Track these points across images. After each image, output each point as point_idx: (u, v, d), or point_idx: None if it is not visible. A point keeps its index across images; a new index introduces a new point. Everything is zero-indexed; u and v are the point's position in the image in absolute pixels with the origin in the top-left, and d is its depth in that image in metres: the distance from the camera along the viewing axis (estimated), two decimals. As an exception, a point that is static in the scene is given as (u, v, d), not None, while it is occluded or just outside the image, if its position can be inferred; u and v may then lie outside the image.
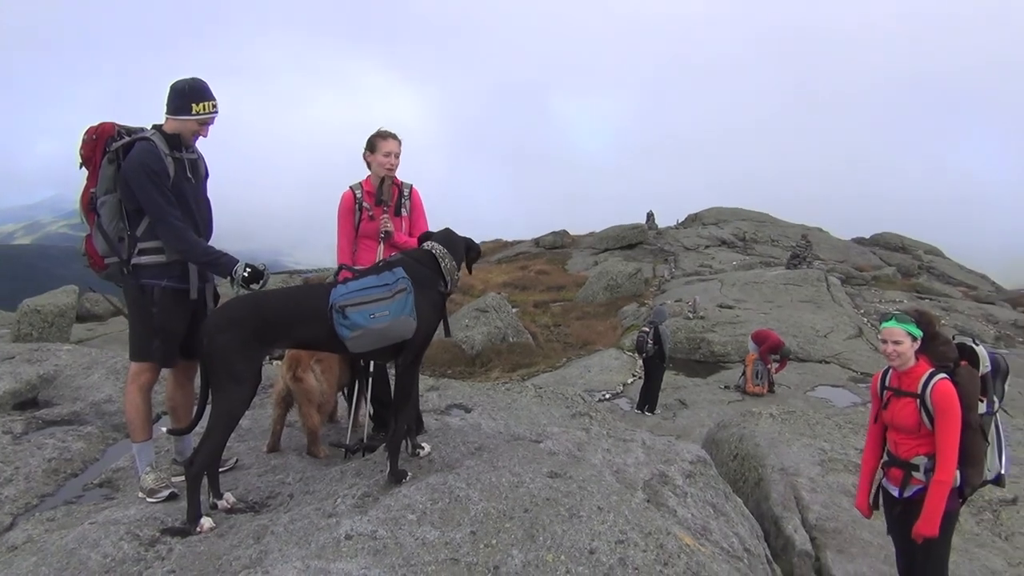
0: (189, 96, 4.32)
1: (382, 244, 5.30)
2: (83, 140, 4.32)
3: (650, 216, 49.19)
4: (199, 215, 4.49)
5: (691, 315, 22.52)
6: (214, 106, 4.39)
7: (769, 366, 16.38)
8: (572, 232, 51.82)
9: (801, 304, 25.17)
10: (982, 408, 4.37)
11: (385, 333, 4.09)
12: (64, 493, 4.91)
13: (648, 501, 5.17)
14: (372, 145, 5.33)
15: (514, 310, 26.65)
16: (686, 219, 53.36)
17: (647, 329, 15.73)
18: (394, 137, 5.35)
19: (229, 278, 4.28)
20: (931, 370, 4.32)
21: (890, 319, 4.45)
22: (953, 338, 4.55)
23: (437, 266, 4.41)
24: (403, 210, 5.48)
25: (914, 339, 4.36)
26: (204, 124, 4.42)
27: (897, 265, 41.95)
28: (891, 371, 4.55)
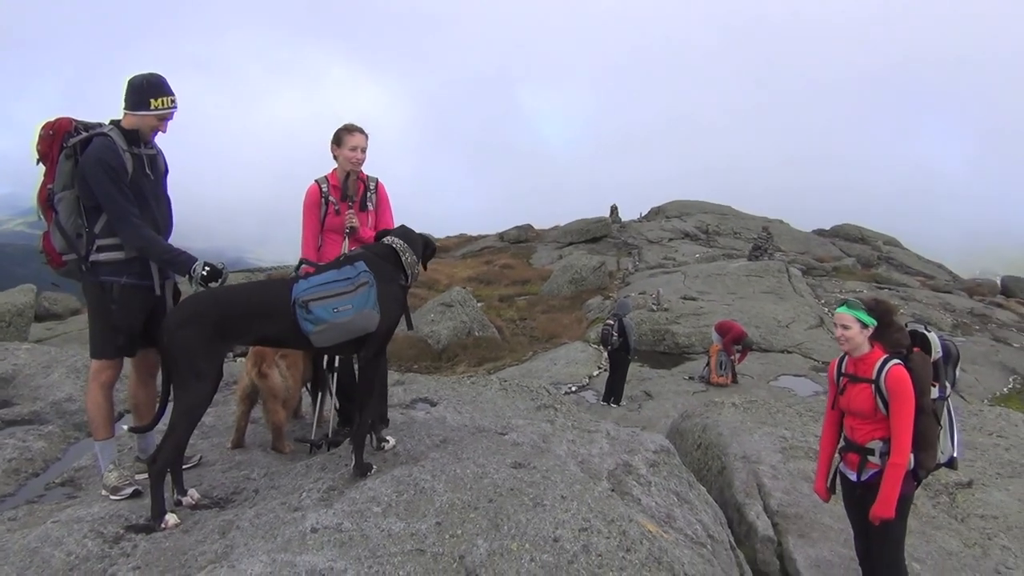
0: (147, 91, 4.29)
1: (347, 239, 5.30)
2: (39, 136, 4.26)
3: (614, 210, 49.34)
4: (158, 212, 4.46)
5: (655, 307, 22.69)
6: (172, 101, 4.36)
7: (732, 357, 16.58)
8: (536, 226, 51.86)
9: (763, 295, 25.45)
10: (934, 393, 4.50)
11: (349, 327, 4.11)
12: (25, 493, 4.85)
13: (612, 490, 5.23)
14: (339, 139, 5.31)
15: (479, 304, 26.67)
16: (649, 212, 53.61)
17: (611, 322, 15.83)
18: (361, 131, 5.34)
19: (188, 276, 4.26)
20: (885, 356, 4.44)
21: (843, 305, 4.58)
22: (906, 325, 4.67)
23: (398, 260, 4.45)
24: (369, 204, 5.48)
25: (864, 326, 4.47)
26: (163, 119, 4.39)
27: (857, 256, 42.52)
28: (847, 358, 4.66)
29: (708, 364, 16.86)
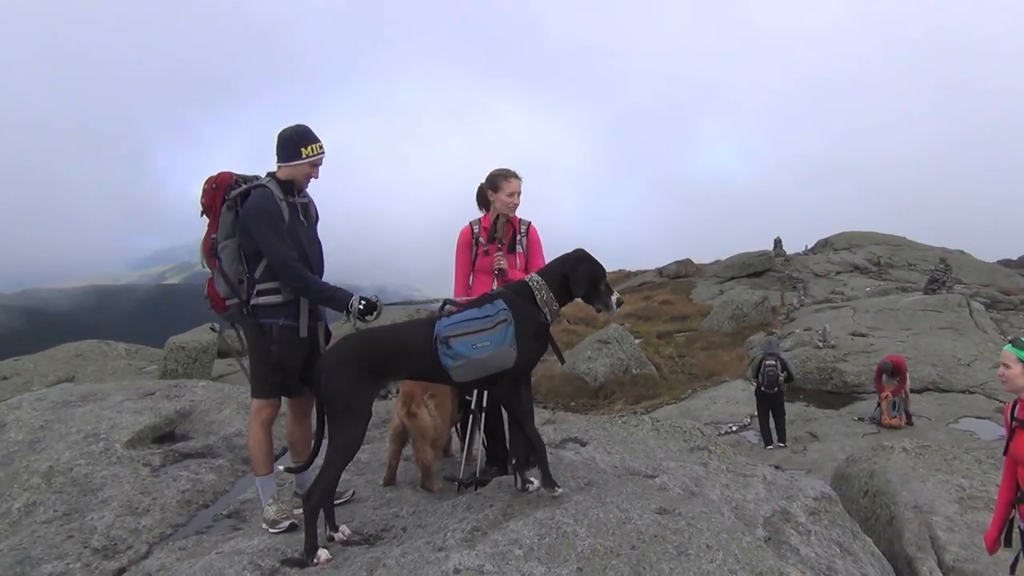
0: (297, 142, 4.56)
1: (496, 280, 5.40)
2: (203, 189, 4.61)
3: (777, 242, 47.85)
4: (312, 255, 4.71)
5: (821, 344, 21.71)
6: (321, 147, 4.62)
7: (904, 394, 15.55)
8: (696, 261, 51.01)
9: (941, 331, 23.86)
10: None
11: (487, 362, 4.20)
12: (196, 523, 5.16)
13: (769, 539, 5.02)
14: (495, 184, 5.44)
15: (637, 341, 26.40)
16: (816, 244, 51.64)
17: (773, 363, 15.13)
18: (516, 176, 5.47)
19: (345, 311, 4.45)
20: (1059, 402, 4.07)
21: (1008, 343, 4.26)
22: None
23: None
24: (518, 247, 5.57)
25: None
26: (315, 166, 4.65)
27: (1050, 286, 39.36)
28: (1019, 402, 4.31)
29: (879, 405, 15.89)
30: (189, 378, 13.71)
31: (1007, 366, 4.24)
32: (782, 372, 14.94)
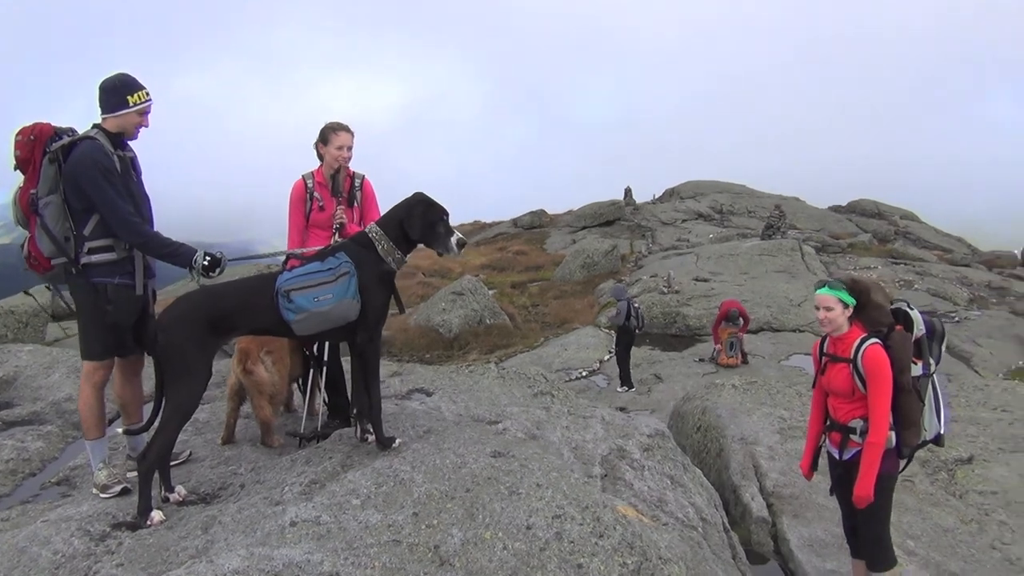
0: (123, 90, 4.36)
1: (336, 235, 5.36)
2: (17, 141, 4.31)
3: (628, 192, 49.15)
4: (145, 211, 4.54)
5: (666, 290, 22.64)
6: (147, 94, 4.44)
7: (741, 336, 16.52)
8: (550, 211, 51.81)
9: (776, 274, 25.34)
10: (917, 370, 4.47)
11: (329, 315, 4.20)
12: (21, 493, 4.95)
13: (605, 476, 5.28)
14: (325, 137, 5.38)
15: (491, 292, 26.72)
16: (663, 193, 53.39)
17: (638, 304, 15.94)
18: (347, 130, 5.40)
19: (189, 267, 4.33)
20: (863, 336, 4.43)
21: (823, 286, 4.56)
22: (892, 303, 4.65)
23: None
24: (355, 201, 5.54)
25: (845, 306, 4.47)
26: (143, 114, 4.45)
27: (873, 231, 42.18)
28: (828, 337, 4.66)
29: (717, 346, 16.80)
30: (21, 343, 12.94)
31: (830, 308, 4.52)
32: (635, 317, 15.64)
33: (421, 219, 4.48)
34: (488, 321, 22.71)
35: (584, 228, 44.03)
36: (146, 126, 4.53)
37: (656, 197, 52.86)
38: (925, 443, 4.65)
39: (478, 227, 53.15)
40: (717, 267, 27.03)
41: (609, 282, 27.70)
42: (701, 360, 17.25)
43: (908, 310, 4.59)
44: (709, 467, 7.30)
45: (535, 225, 48.98)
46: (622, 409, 12.08)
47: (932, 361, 4.61)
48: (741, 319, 16.66)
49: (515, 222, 50.76)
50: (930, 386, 4.59)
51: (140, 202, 4.51)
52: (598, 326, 21.41)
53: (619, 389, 15.33)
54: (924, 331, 4.56)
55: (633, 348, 16.15)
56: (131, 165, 4.51)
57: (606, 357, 18.11)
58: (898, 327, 4.52)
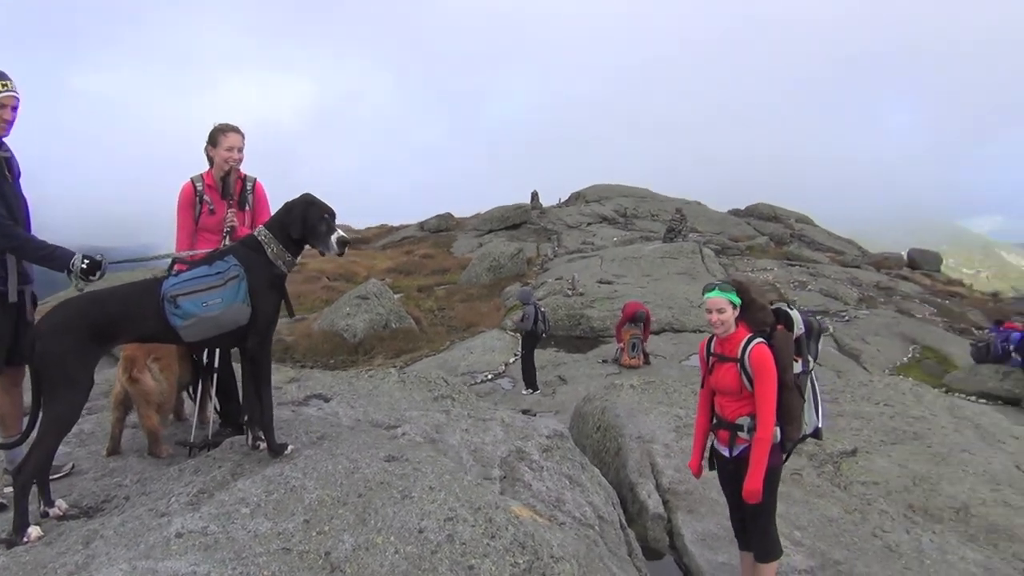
0: None
1: (227, 239, 5.25)
2: None
3: (535, 196, 49.46)
4: (19, 214, 4.36)
5: (570, 292, 22.91)
6: (7, 86, 4.22)
7: (644, 338, 16.84)
8: (457, 215, 51.77)
9: (677, 276, 25.92)
10: (798, 368, 4.67)
11: (218, 320, 4.13)
12: None
13: (504, 477, 5.32)
14: (214, 139, 5.29)
15: (398, 296, 26.54)
16: (570, 197, 53.93)
17: (544, 309, 16.04)
18: (236, 131, 5.31)
19: (67, 271, 4.17)
20: (749, 335, 4.59)
21: (713, 289, 4.70)
22: (772, 304, 4.83)
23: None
24: (247, 204, 5.45)
25: (735, 307, 4.63)
26: (5, 106, 4.24)
27: (770, 234, 43.56)
28: (715, 338, 4.81)
29: (620, 347, 17.08)
30: None
31: (722, 311, 4.66)
32: (540, 320, 15.78)
33: (302, 218, 4.41)
34: (394, 325, 22.56)
35: (491, 231, 44.12)
36: (8, 118, 4.29)
37: (562, 201, 53.37)
38: (805, 437, 4.86)
39: (385, 230, 52.70)
40: (621, 269, 27.48)
41: (515, 285, 27.85)
42: (604, 361, 17.50)
43: (788, 310, 4.79)
44: (608, 466, 7.43)
45: (442, 228, 48.85)
46: (527, 411, 12.18)
47: (810, 358, 4.82)
48: (643, 322, 17.00)
49: (422, 225, 50.52)
50: (808, 382, 4.79)
51: (14, 204, 4.32)
52: (504, 329, 21.50)
53: (524, 392, 15.44)
54: (803, 330, 4.76)
55: (538, 350, 16.30)
56: (6, 166, 4.32)
57: (511, 360, 18.20)
58: (779, 326, 4.70)
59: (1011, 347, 15.51)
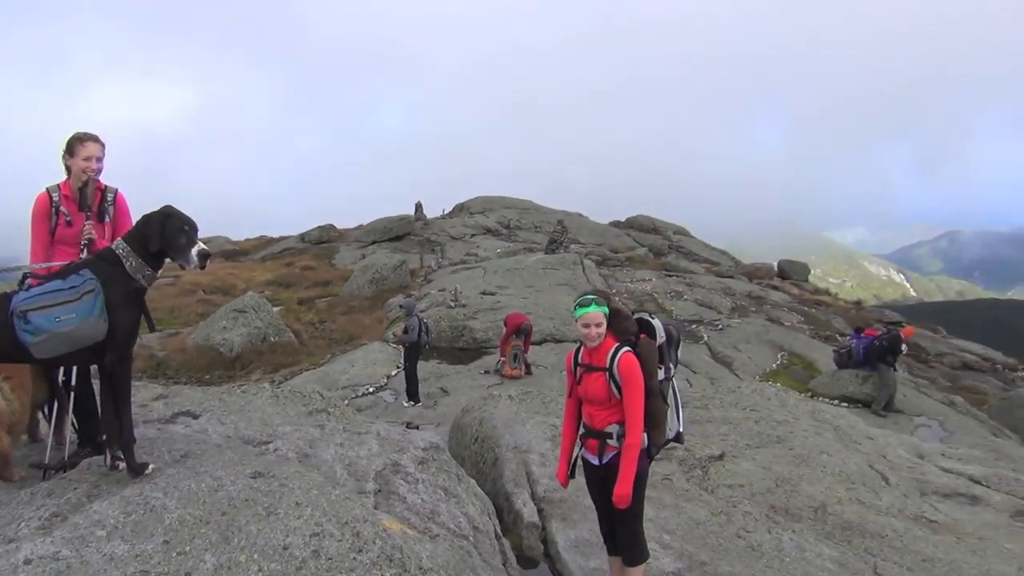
0: None
1: (85, 251, 5.05)
2: None
3: (418, 207, 49.28)
4: None
5: (453, 303, 22.95)
6: None
7: (525, 349, 17.03)
8: (339, 226, 51.07)
9: (558, 287, 26.29)
10: (661, 375, 4.83)
11: (73, 335, 3.99)
12: None
13: (379, 491, 5.29)
14: (71, 148, 5.08)
15: (277, 308, 25.99)
16: (453, 208, 54.01)
17: (427, 321, 16.06)
18: (96, 140, 5.13)
19: None
20: (616, 344, 4.71)
21: (589, 304, 4.76)
22: (633, 313, 4.98)
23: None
24: (107, 216, 5.26)
25: (607, 318, 4.75)
26: None
27: (649, 245, 44.80)
28: (582, 348, 4.91)
29: (502, 358, 17.23)
30: None
31: (599, 324, 4.73)
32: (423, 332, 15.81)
33: (160, 230, 4.30)
34: (273, 339, 22.08)
35: (374, 243, 43.73)
36: None
37: (446, 212, 53.41)
38: (668, 442, 5.02)
39: (264, 242, 51.47)
40: (504, 281, 27.70)
41: (398, 297, 27.68)
42: (486, 372, 17.61)
43: (650, 319, 4.94)
44: (486, 476, 7.47)
45: (323, 240, 48.09)
46: (410, 424, 12.13)
47: (672, 365, 4.99)
48: (525, 333, 17.21)
49: (303, 237, 49.60)
50: (671, 388, 4.96)
51: None
52: (387, 341, 21.35)
53: (406, 404, 15.37)
54: (664, 338, 4.93)
55: (421, 362, 16.26)
56: None
57: (394, 372, 18.08)
58: (642, 335, 4.85)
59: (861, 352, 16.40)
